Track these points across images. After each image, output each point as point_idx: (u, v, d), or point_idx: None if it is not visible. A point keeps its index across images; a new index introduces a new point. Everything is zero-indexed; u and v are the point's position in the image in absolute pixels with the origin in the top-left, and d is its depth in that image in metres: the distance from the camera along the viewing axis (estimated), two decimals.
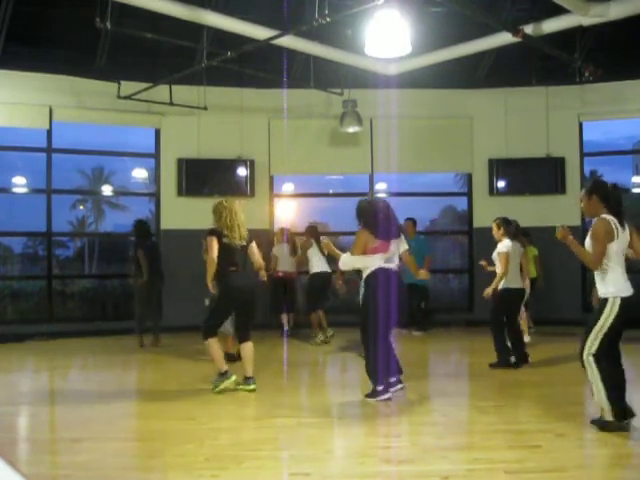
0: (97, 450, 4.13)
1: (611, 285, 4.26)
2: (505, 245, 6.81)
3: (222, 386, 5.64)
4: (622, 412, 4.25)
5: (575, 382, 5.79)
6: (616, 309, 4.22)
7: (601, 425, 4.29)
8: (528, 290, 7.68)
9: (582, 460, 3.93)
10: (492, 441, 4.25)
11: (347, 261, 5.47)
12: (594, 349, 4.25)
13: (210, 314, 5.81)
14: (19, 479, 1.65)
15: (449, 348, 8.92)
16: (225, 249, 5.62)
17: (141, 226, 8.97)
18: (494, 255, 6.93)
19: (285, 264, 9.40)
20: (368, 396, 5.30)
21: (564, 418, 4.63)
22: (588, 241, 4.33)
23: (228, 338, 7.15)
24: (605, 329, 4.23)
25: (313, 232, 9.09)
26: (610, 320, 4.22)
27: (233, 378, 5.69)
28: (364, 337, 5.39)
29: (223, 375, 5.68)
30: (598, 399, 4.28)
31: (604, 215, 4.27)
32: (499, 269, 6.78)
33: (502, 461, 3.84)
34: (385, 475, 3.69)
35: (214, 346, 5.69)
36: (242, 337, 5.82)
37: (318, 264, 8.86)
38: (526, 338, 7.78)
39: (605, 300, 4.25)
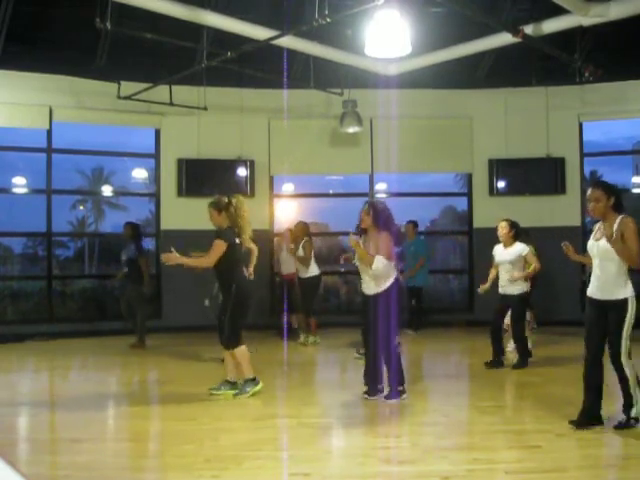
0: (97, 450, 4.13)
1: (628, 285, 4.33)
2: (526, 247, 6.81)
3: (252, 392, 5.50)
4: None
5: (575, 382, 5.75)
6: (635, 308, 4.30)
7: (630, 425, 4.33)
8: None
9: (582, 460, 3.92)
10: (492, 441, 4.26)
11: (383, 265, 5.24)
12: (628, 350, 4.30)
13: (230, 322, 5.45)
14: (19, 479, 1.65)
15: (449, 348, 8.91)
16: (236, 250, 5.49)
17: (138, 228, 8.92)
18: (506, 257, 6.82)
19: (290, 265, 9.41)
20: (389, 397, 5.34)
21: (564, 418, 4.62)
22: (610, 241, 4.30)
23: None
24: (631, 328, 4.30)
25: (305, 231, 8.92)
26: (634, 319, 4.29)
27: (261, 384, 5.57)
28: (382, 343, 5.35)
29: (252, 381, 5.54)
30: (635, 397, 4.32)
31: (625, 215, 4.31)
32: (535, 265, 6.73)
33: (502, 461, 3.85)
34: (385, 475, 3.70)
35: (245, 353, 5.51)
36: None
37: (314, 266, 8.79)
38: (510, 346, 7.70)
39: (625, 300, 4.30)
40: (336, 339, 8.79)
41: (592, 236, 4.49)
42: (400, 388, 5.38)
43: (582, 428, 4.35)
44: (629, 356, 4.32)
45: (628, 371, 4.32)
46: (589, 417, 4.39)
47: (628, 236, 4.24)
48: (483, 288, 7.01)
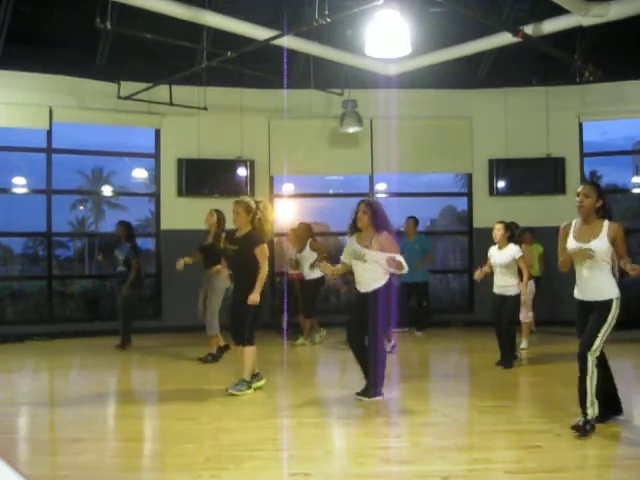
0: (97, 450, 4.13)
1: (615, 286, 4.34)
2: (519, 250, 6.86)
3: (243, 393, 5.60)
4: (600, 416, 4.34)
5: (575, 382, 5.78)
6: (618, 309, 4.30)
7: (583, 431, 4.22)
8: (527, 290, 7.72)
9: (582, 460, 3.92)
10: (492, 441, 4.26)
11: (404, 260, 5.30)
12: (599, 350, 4.28)
13: (251, 321, 5.60)
14: (19, 479, 1.65)
15: (449, 348, 8.92)
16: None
17: (132, 227, 8.87)
18: (500, 260, 6.85)
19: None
20: (368, 395, 5.36)
21: (564, 418, 4.61)
22: (606, 243, 4.27)
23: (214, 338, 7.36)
24: (610, 329, 4.28)
25: (308, 232, 8.95)
26: (615, 320, 4.29)
27: (252, 390, 5.71)
28: (377, 341, 5.37)
29: (247, 383, 5.67)
30: (590, 400, 4.25)
31: (612, 221, 4.34)
32: (524, 272, 6.83)
33: (502, 461, 3.85)
34: (385, 475, 3.70)
35: (255, 354, 5.67)
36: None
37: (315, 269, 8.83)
38: (524, 343, 7.80)
39: (611, 301, 4.30)
40: (336, 339, 8.78)
41: (572, 237, 4.44)
42: (381, 387, 5.42)
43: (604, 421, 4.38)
44: (597, 360, 4.26)
45: (589, 370, 4.24)
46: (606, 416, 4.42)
47: (619, 242, 4.28)
48: (478, 275, 7.00)
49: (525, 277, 6.83)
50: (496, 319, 6.92)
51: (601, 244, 4.30)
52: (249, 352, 5.63)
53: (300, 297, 8.97)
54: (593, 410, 4.25)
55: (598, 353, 4.28)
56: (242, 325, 5.60)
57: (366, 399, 5.33)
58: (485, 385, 6.10)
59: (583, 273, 4.39)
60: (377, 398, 5.36)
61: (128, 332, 8.48)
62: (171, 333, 9.48)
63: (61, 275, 13.87)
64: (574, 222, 4.50)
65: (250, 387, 5.65)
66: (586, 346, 4.28)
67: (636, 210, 12.80)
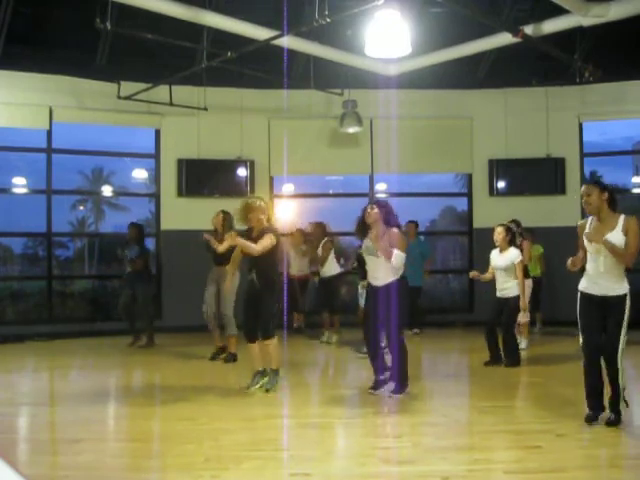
0: (97, 451, 4.13)
1: (626, 280, 4.38)
2: (519, 254, 6.84)
3: (277, 384, 5.76)
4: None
5: (575, 382, 5.77)
6: (630, 303, 4.35)
7: (618, 421, 4.38)
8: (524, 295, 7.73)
9: (582, 460, 3.92)
10: (492, 441, 4.26)
11: (402, 259, 5.40)
12: (623, 347, 4.32)
13: (271, 315, 5.68)
14: (19, 479, 1.65)
15: (449, 348, 8.92)
16: (281, 249, 5.80)
17: (143, 229, 8.93)
18: (500, 263, 6.85)
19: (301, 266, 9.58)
20: (396, 392, 5.45)
21: (564, 418, 4.63)
22: (621, 237, 4.29)
23: (234, 338, 7.28)
24: (627, 323, 4.32)
25: (324, 231, 9.00)
26: (630, 313, 4.33)
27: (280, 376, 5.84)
28: (393, 333, 5.45)
29: (277, 373, 5.79)
30: (622, 394, 4.38)
31: (627, 214, 4.37)
32: (519, 277, 6.80)
33: (502, 461, 3.85)
34: (385, 475, 3.70)
35: (278, 345, 5.76)
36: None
37: (336, 265, 8.92)
38: (523, 344, 7.79)
39: (625, 296, 4.34)
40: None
41: (589, 228, 4.47)
42: (406, 382, 5.50)
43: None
44: (623, 353, 4.35)
45: (620, 369, 4.35)
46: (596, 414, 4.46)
47: (632, 236, 4.27)
48: (474, 274, 7.11)
49: (520, 279, 6.81)
50: (491, 319, 6.94)
51: (616, 237, 4.32)
52: (274, 344, 5.71)
53: (322, 296, 9.12)
54: (622, 402, 4.40)
55: (623, 351, 4.33)
56: (265, 321, 5.65)
57: (396, 395, 5.41)
58: (485, 385, 6.09)
59: (600, 268, 4.38)
60: (404, 394, 5.45)
61: (152, 328, 8.62)
62: (171, 333, 9.47)
63: (61, 275, 13.87)
64: (590, 219, 4.52)
65: (278, 373, 5.78)
66: (614, 349, 4.32)
67: (636, 210, 12.81)
